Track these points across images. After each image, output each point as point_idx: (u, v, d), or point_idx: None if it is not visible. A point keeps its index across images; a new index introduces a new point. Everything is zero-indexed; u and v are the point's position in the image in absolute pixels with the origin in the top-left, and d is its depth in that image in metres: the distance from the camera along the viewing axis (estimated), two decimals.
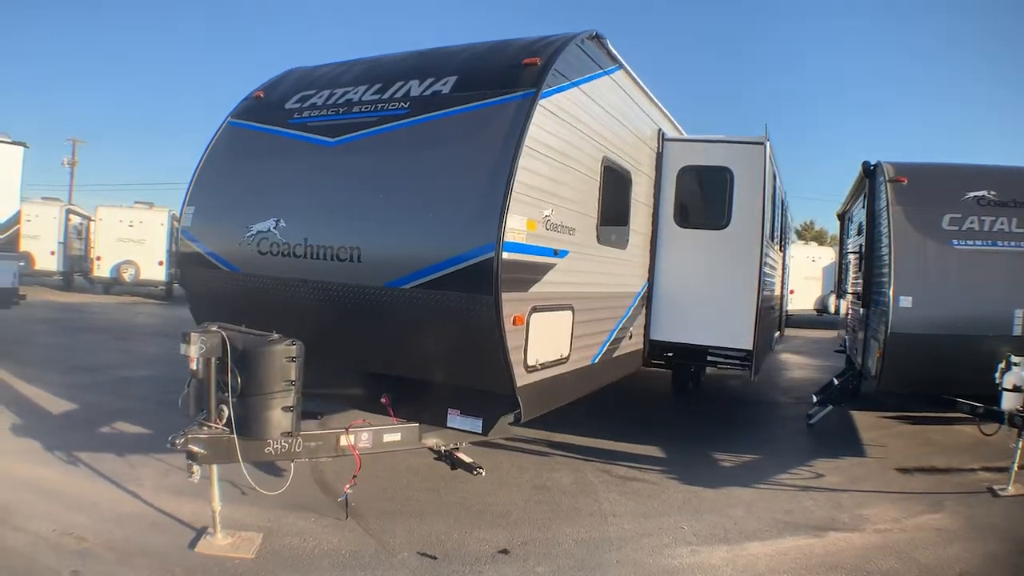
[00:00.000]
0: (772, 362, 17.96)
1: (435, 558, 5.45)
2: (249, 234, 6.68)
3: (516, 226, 5.32)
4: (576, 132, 6.38)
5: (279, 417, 5.36)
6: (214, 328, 5.52)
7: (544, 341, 5.95)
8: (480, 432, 5.83)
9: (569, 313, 6.45)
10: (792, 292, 28.81)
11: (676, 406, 12.28)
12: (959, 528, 6.42)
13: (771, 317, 11.38)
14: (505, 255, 5.18)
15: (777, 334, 13.99)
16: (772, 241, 10.70)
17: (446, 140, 5.94)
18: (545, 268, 5.88)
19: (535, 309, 5.69)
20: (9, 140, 14.41)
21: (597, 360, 7.38)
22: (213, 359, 5.38)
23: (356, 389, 6.70)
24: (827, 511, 6.77)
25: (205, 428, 5.46)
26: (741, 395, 13.57)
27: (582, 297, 6.73)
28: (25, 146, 14.56)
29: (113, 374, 12.20)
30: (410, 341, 6.00)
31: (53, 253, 28.83)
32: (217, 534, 5.60)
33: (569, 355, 6.50)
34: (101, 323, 19.74)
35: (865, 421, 10.90)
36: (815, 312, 28.16)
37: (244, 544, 5.56)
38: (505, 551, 5.60)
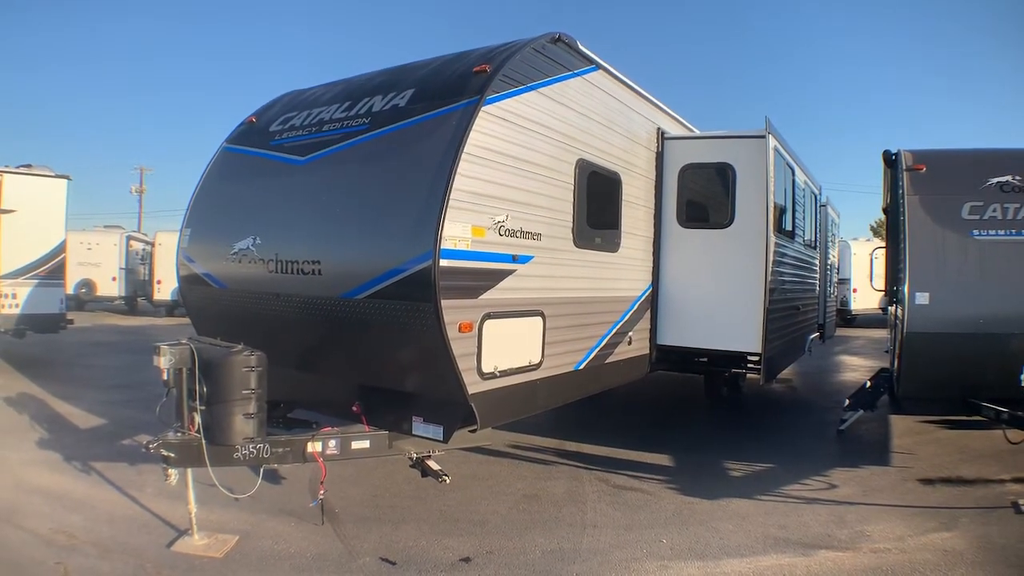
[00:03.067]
0: (822, 365, 17.76)
1: (394, 564, 5.78)
2: (232, 252, 7.25)
3: (457, 233, 5.59)
4: (537, 136, 6.60)
5: (241, 423, 5.84)
6: (184, 341, 6.03)
7: (504, 348, 6.21)
8: (441, 440, 6.10)
9: (538, 319, 6.68)
10: (856, 291, 28.14)
11: (704, 412, 12.30)
12: (968, 549, 6.08)
13: (796, 319, 11.22)
14: (444, 263, 5.46)
15: (814, 336, 13.73)
16: (793, 238, 10.61)
17: (394, 152, 6.27)
18: (500, 274, 6.13)
19: (489, 316, 5.95)
20: (52, 174, 15.63)
21: (583, 366, 7.56)
22: (184, 370, 5.89)
23: (331, 398, 7.13)
24: (826, 527, 6.60)
25: (179, 434, 5.99)
26: (778, 400, 13.46)
27: (556, 303, 6.94)
28: (68, 179, 15.76)
29: (150, 391, 12.92)
30: (369, 350, 6.38)
31: (115, 279, 30.73)
32: (194, 535, 6.12)
33: (541, 361, 6.72)
34: (152, 345, 20.53)
35: (902, 426, 10.69)
36: (880, 311, 27.39)
37: (217, 545, 6.04)
38: (467, 559, 5.88)
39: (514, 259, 6.27)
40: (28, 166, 15.35)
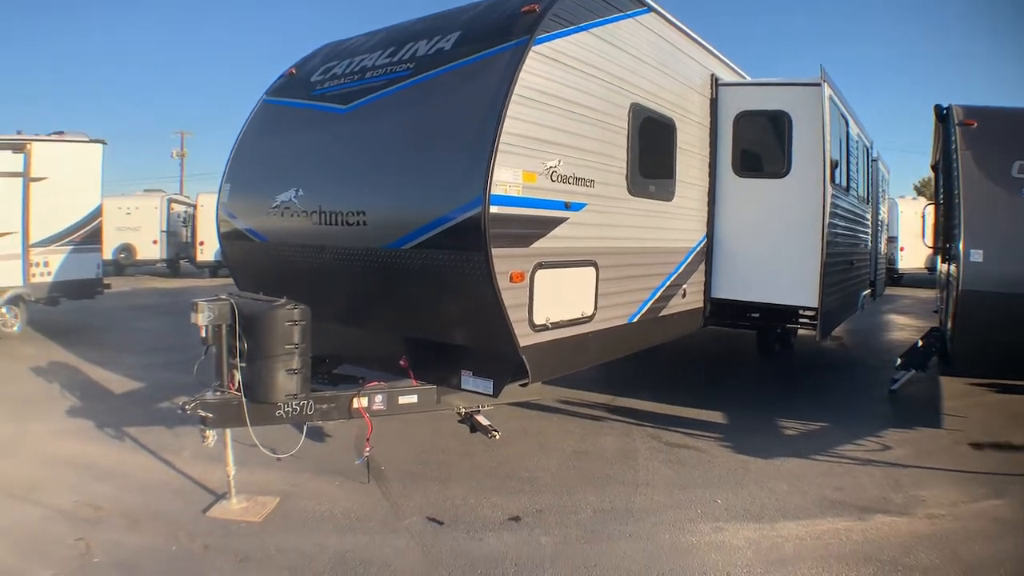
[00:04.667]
0: (872, 323, 17.43)
1: (441, 523, 5.64)
2: (274, 205, 7.10)
3: (507, 179, 5.37)
4: (589, 78, 6.33)
5: (284, 380, 5.69)
6: (224, 296, 5.89)
7: (556, 299, 6.00)
8: (491, 394, 5.95)
9: (592, 270, 6.46)
10: (903, 250, 27.68)
11: (756, 369, 12.09)
12: (1018, 519, 5.89)
13: (849, 274, 10.87)
14: (494, 210, 5.24)
15: (866, 293, 13.36)
16: (847, 191, 10.24)
17: (441, 96, 6.06)
18: (552, 222, 5.90)
19: (541, 265, 5.74)
20: (87, 139, 15.53)
21: (636, 319, 7.34)
22: (224, 326, 5.74)
23: (378, 352, 7.01)
24: (881, 490, 6.40)
25: (217, 394, 5.86)
26: (830, 357, 13.19)
27: (610, 252, 6.71)
28: (103, 143, 15.66)
29: (191, 352, 12.83)
30: (416, 302, 6.20)
31: (156, 242, 30.82)
32: (232, 498, 6.01)
33: (594, 314, 6.50)
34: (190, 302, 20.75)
35: (952, 388, 10.35)
36: (927, 271, 26.84)
37: (256, 508, 5.93)
38: (516, 518, 5.73)
39: (567, 206, 6.03)
40: (60, 133, 15.31)
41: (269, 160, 7.65)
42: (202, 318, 5.68)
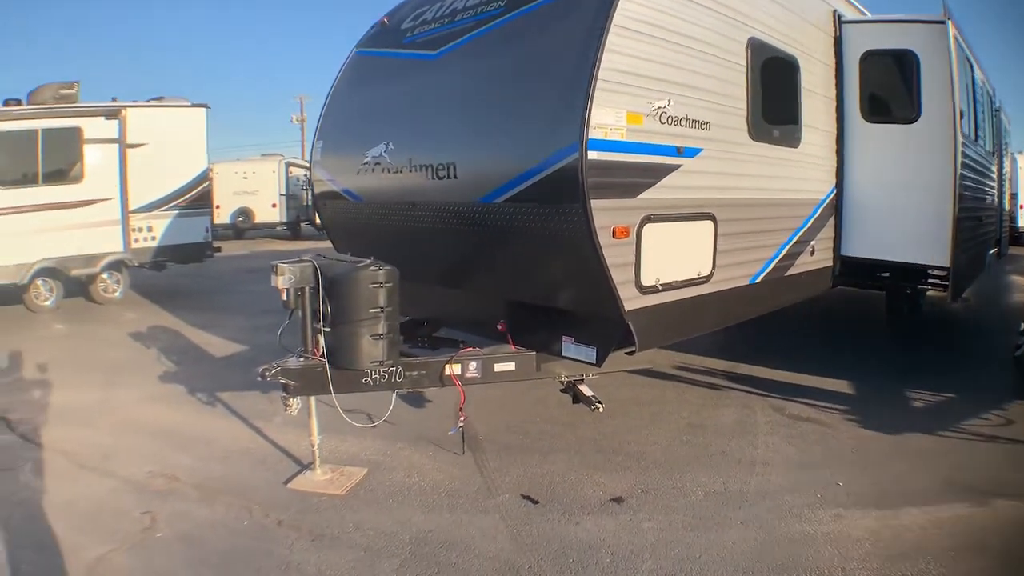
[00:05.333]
0: (998, 284, 16.19)
1: (536, 502, 5.20)
2: (365, 161, 6.74)
3: (608, 121, 4.78)
4: (699, 7, 5.66)
5: (369, 345, 5.32)
6: (306, 258, 5.55)
7: (667, 257, 5.42)
8: (594, 363, 5.44)
9: (709, 224, 5.84)
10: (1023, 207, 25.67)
11: (883, 333, 11.20)
12: None
13: (978, 231, 9.83)
14: (593, 156, 4.68)
15: (992, 252, 12.23)
16: (975, 142, 9.20)
17: (534, 33, 5.50)
18: (662, 170, 5.28)
19: (649, 219, 5.15)
20: (188, 103, 15.56)
21: (759, 279, 6.68)
22: (307, 289, 5.41)
23: (475, 316, 6.60)
24: (1003, 471, 5.72)
25: (301, 360, 5.55)
26: (956, 320, 12.18)
27: (729, 204, 6.06)
28: (206, 107, 15.67)
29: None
30: (513, 262, 5.73)
31: (275, 205, 31.26)
32: (316, 469, 5.74)
33: (711, 273, 5.90)
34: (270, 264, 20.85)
35: None
36: None
37: (341, 480, 5.63)
38: (619, 499, 5.24)
39: (679, 152, 5.39)
40: (159, 98, 15.41)
41: (360, 114, 7.29)
42: (282, 281, 5.37)
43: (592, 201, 4.68)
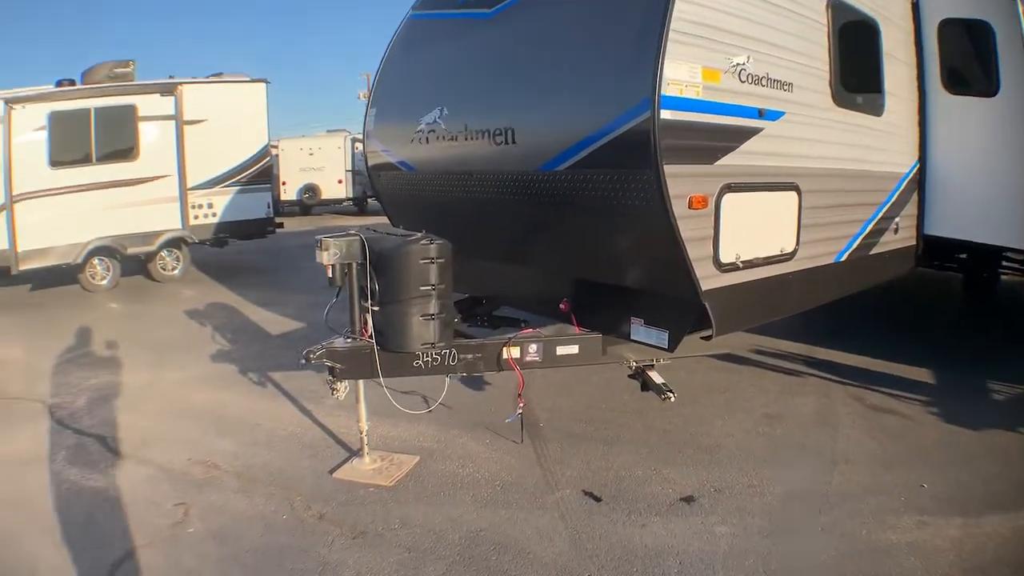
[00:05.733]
0: None
1: (599, 500, 4.77)
2: (419, 129, 6.32)
3: (682, 76, 4.25)
4: None
5: (419, 327, 4.92)
6: (353, 231, 5.18)
7: (749, 231, 4.89)
8: (666, 348, 4.94)
9: (793, 194, 5.27)
10: None
11: (962, 318, 10.40)
12: None
13: None
14: (666, 115, 4.16)
15: None
16: None
17: None
18: (743, 133, 4.73)
19: (729, 188, 4.62)
20: (248, 79, 15.36)
21: (844, 258, 6.08)
22: (354, 265, 5.03)
23: (537, 294, 6.13)
24: None
25: (348, 341, 5.19)
26: None
27: (814, 174, 5.47)
28: (266, 82, 15.47)
29: None
30: (577, 235, 5.23)
31: (341, 181, 31.11)
32: (365, 457, 5.41)
33: (795, 250, 5.34)
34: (315, 238, 20.61)
35: None
36: None
37: (390, 469, 5.30)
38: (689, 499, 4.76)
39: (760, 114, 4.82)
40: (218, 75, 15.25)
41: (414, 80, 6.87)
42: (327, 256, 5.00)
43: (666, 166, 4.16)
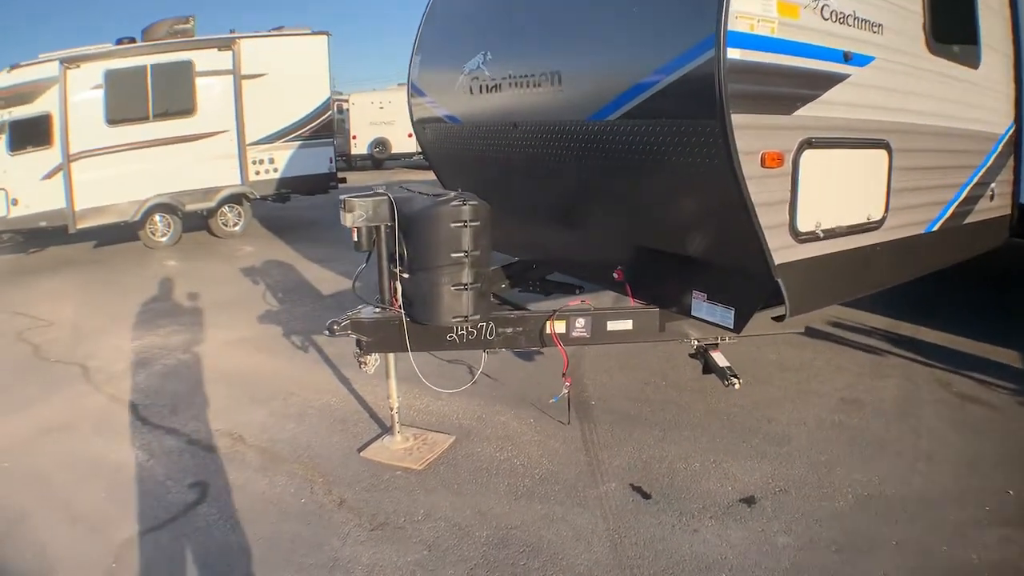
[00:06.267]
0: None
1: (648, 497, 4.20)
2: (463, 76, 5.74)
3: (754, 9, 3.54)
4: None
5: (450, 298, 4.37)
6: (380, 191, 4.66)
7: (832, 194, 4.19)
8: (731, 328, 4.28)
9: (882, 154, 4.53)
10: None
11: None
12: None
13: None
14: (735, 54, 3.48)
15: None
16: None
17: None
18: (825, 80, 3.99)
19: (809, 143, 3.91)
20: (310, 31, 14.91)
21: (936, 227, 5.29)
22: (382, 227, 4.52)
23: (591, 260, 5.52)
24: None
25: (376, 311, 4.71)
26: None
27: (906, 131, 4.68)
28: (327, 35, 14.97)
29: None
30: (632, 196, 4.59)
31: (411, 135, 30.57)
32: (396, 436, 4.98)
33: (884, 217, 4.60)
34: (339, 198, 20.21)
35: None
36: None
37: (421, 450, 4.85)
38: (750, 500, 4.15)
39: (845, 58, 4.05)
40: (279, 28, 14.88)
41: (459, 23, 6.26)
42: (352, 218, 4.49)
43: (734, 116, 3.49)
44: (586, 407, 5.42)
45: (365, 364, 4.76)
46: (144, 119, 12.69)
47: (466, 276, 4.34)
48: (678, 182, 4.01)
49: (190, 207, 13.30)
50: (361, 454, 4.86)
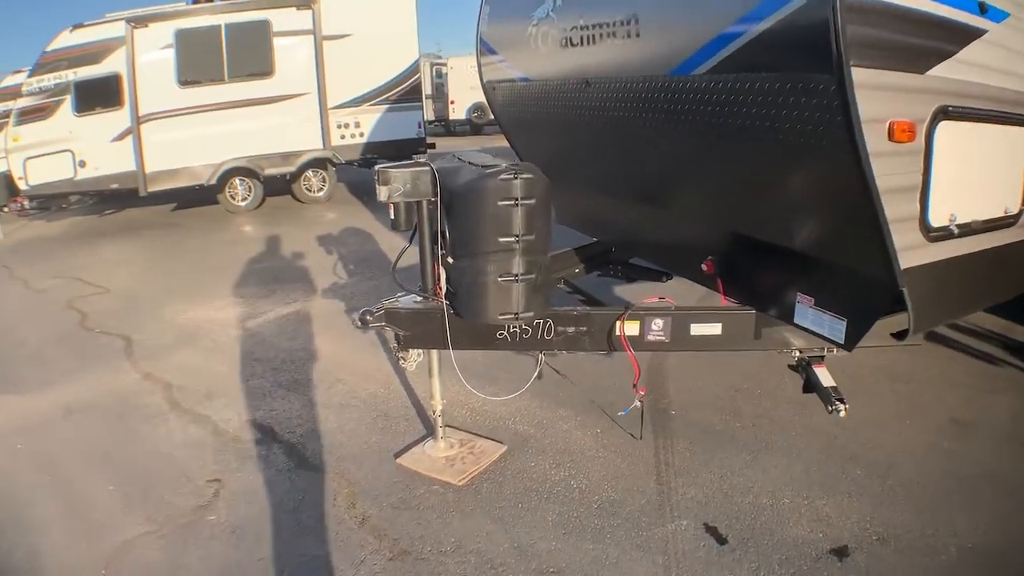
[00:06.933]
0: None
1: (724, 543, 3.43)
2: (531, 27, 4.92)
3: None
4: None
5: (497, 292, 3.65)
6: (423, 160, 4.00)
7: (968, 180, 3.26)
8: (840, 344, 3.37)
9: (1021, 131, 3.52)
10: None
11: None
12: None
13: None
14: None
15: None
16: None
17: None
18: (962, 33, 3.04)
19: (945, 112, 3.00)
20: None
21: None
22: (424, 204, 3.85)
23: (676, 245, 4.66)
24: None
25: (418, 301, 4.07)
26: None
27: None
28: None
29: None
30: (722, 169, 3.73)
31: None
32: (439, 442, 4.34)
33: (1022, 211, 3.62)
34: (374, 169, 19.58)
35: None
36: None
37: (465, 461, 4.22)
38: (842, 552, 3.33)
39: (981, 9, 3.07)
40: None
41: None
42: (387, 192, 3.83)
43: (855, 69, 2.61)
44: (664, 417, 4.65)
45: (405, 360, 4.15)
46: (219, 80, 12.38)
47: (516, 265, 3.60)
48: (779, 156, 3.15)
49: (268, 171, 12.99)
50: (397, 460, 4.26)
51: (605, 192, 4.99)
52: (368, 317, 4.00)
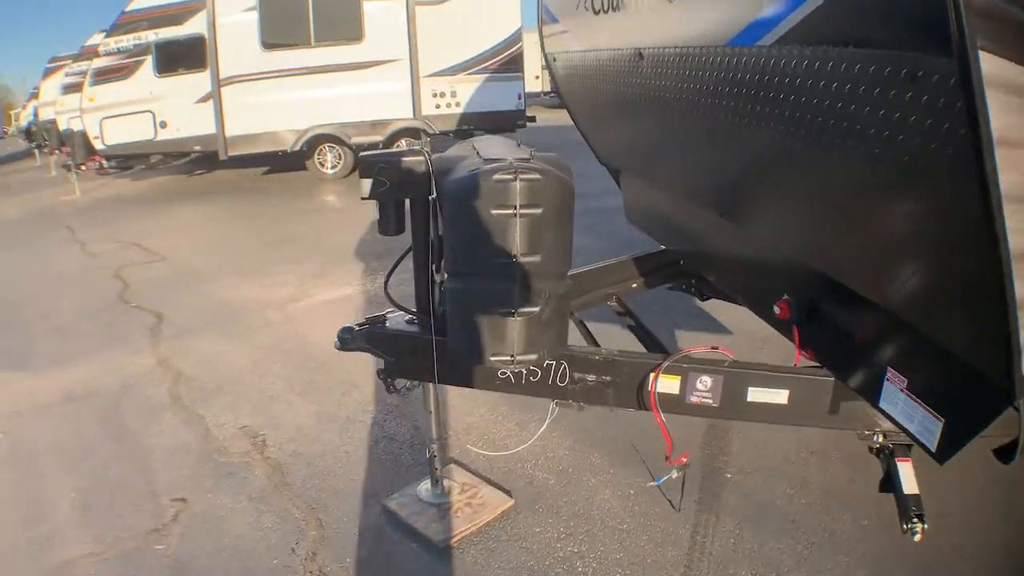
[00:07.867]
0: None
1: None
2: None
3: None
4: None
5: (492, 327, 2.79)
6: (417, 147, 3.15)
7: None
8: (931, 449, 2.29)
9: None
10: None
11: None
12: None
13: None
14: None
15: None
16: None
17: None
18: None
19: None
20: None
21: None
22: (416, 202, 3.05)
23: (742, 272, 3.65)
24: None
25: (407, 319, 3.27)
26: None
27: None
28: None
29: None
30: (794, 176, 2.68)
31: None
32: (442, 485, 3.62)
33: None
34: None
35: None
36: None
37: (459, 515, 3.48)
38: None
39: None
40: None
41: None
42: (369, 186, 3.03)
43: (981, 52, 1.60)
44: (717, 481, 3.70)
45: (393, 389, 3.36)
46: (305, 44, 11.92)
47: (514, 295, 2.73)
48: (863, 173, 2.14)
49: (356, 139, 12.52)
50: (384, 502, 3.57)
51: (669, 189, 4.07)
52: (347, 336, 3.23)
